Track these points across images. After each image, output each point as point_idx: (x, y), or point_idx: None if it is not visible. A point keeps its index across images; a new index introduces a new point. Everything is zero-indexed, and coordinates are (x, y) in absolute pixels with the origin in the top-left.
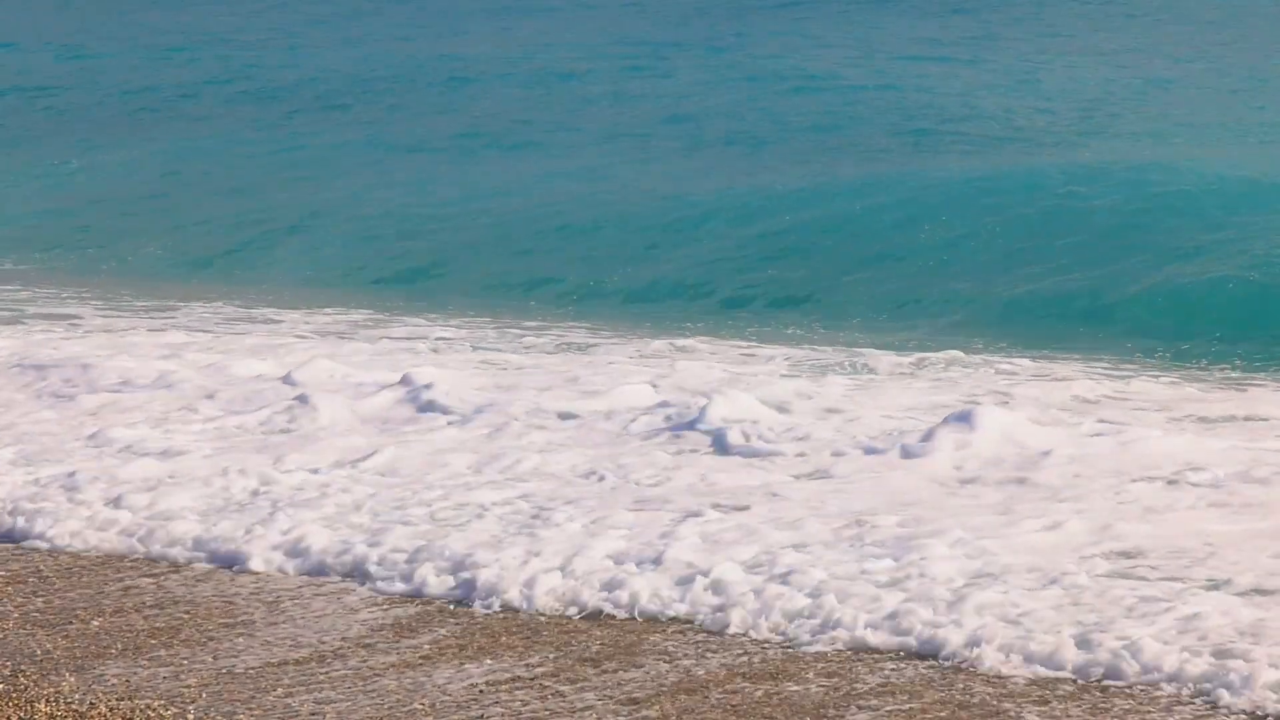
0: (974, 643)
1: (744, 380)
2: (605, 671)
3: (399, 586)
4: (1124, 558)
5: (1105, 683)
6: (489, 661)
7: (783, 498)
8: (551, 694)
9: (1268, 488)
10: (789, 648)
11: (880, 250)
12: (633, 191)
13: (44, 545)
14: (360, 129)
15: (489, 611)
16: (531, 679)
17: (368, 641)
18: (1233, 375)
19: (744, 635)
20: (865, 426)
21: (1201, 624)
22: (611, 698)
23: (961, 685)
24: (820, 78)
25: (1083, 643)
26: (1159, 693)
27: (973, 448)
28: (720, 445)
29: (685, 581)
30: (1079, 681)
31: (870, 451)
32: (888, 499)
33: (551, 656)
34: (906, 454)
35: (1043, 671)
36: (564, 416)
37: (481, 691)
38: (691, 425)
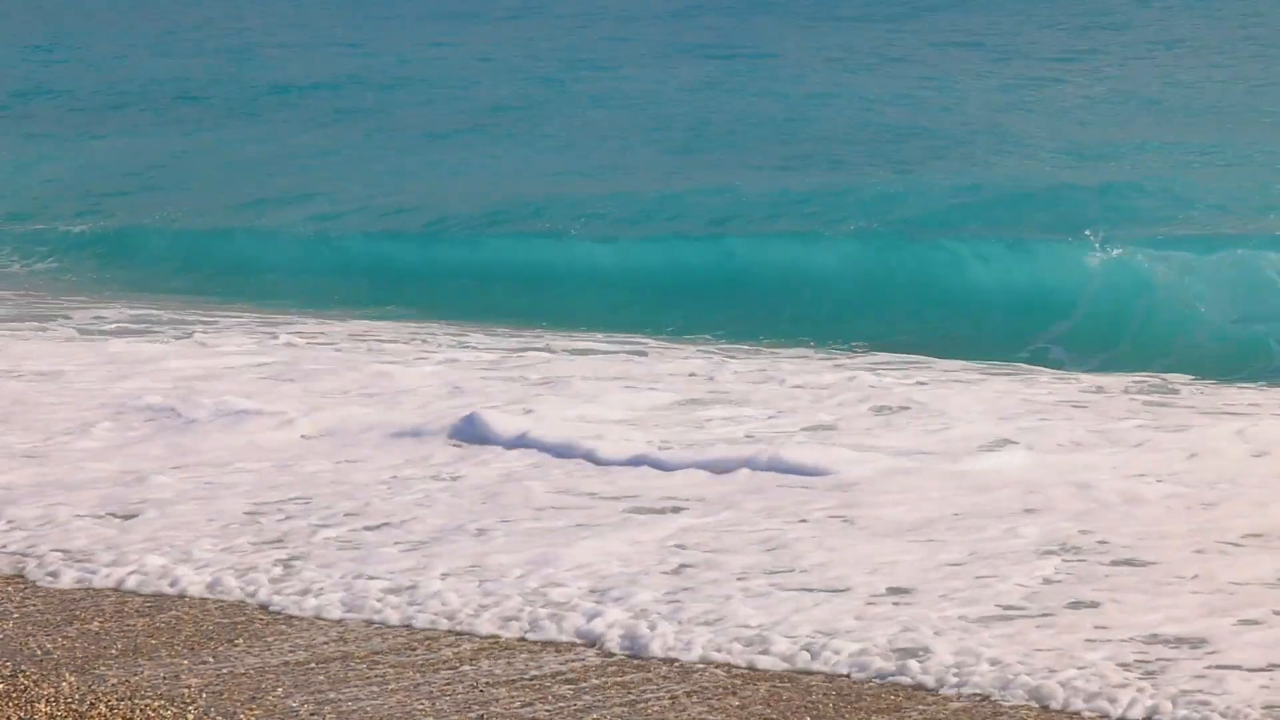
0: None
1: None
2: (605, 674)
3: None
4: None
5: None
6: (487, 663)
7: None
8: (552, 695)
9: None
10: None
11: None
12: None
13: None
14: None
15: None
16: (532, 680)
17: (368, 643)
18: None
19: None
20: None
21: None
22: (612, 700)
23: None
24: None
25: None
26: None
27: None
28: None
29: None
30: None
31: None
32: None
33: (551, 659)
34: None
35: None
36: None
37: (481, 692)
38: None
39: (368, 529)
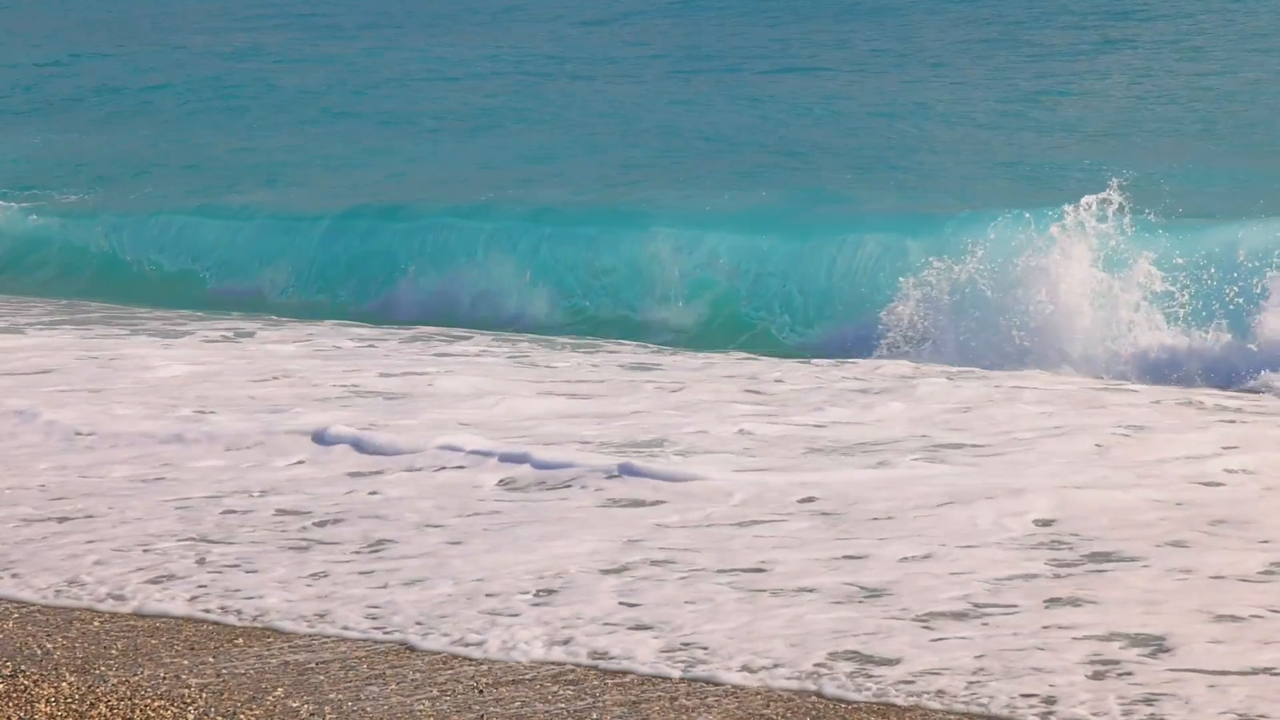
0: None
1: None
2: (604, 674)
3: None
4: None
5: None
6: (487, 664)
7: None
8: (552, 696)
9: None
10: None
11: None
12: None
13: None
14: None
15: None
16: (532, 680)
17: (367, 644)
18: None
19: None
20: None
21: None
22: (611, 700)
23: None
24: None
25: None
26: None
27: None
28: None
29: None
30: None
31: None
32: None
33: (552, 660)
34: None
35: None
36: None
37: (481, 693)
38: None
39: (317, 535)
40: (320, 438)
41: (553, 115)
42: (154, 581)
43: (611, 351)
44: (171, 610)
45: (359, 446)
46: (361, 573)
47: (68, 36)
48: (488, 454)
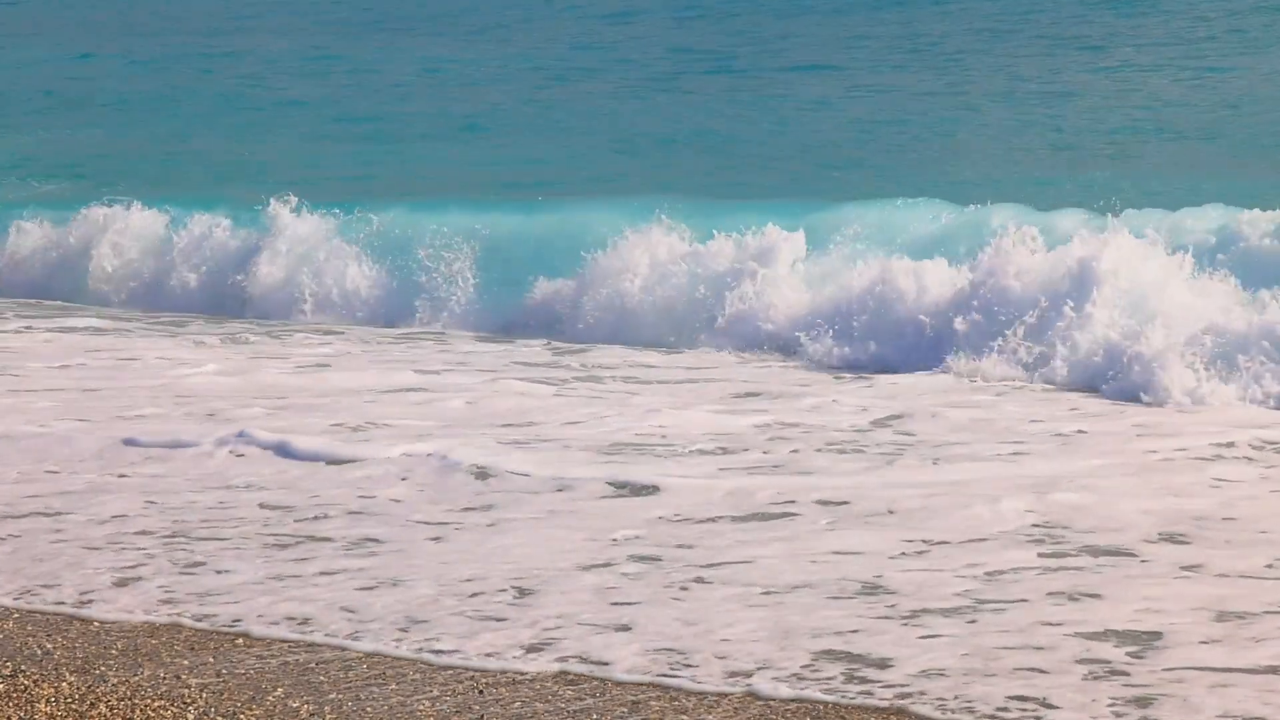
0: None
1: None
2: (604, 675)
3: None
4: None
5: None
6: (487, 663)
7: None
8: (552, 696)
9: None
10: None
11: None
12: None
13: None
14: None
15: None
16: (532, 681)
17: (367, 642)
18: None
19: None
20: None
21: None
22: (611, 700)
23: None
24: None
25: None
26: None
27: None
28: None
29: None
30: None
31: None
32: None
33: (553, 660)
34: None
35: None
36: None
37: (481, 693)
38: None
39: (301, 535)
40: (241, 437)
41: (545, 117)
42: (119, 584)
43: (607, 353)
44: (132, 619)
45: (283, 452)
46: (350, 574)
47: (59, 36)
48: (449, 460)
